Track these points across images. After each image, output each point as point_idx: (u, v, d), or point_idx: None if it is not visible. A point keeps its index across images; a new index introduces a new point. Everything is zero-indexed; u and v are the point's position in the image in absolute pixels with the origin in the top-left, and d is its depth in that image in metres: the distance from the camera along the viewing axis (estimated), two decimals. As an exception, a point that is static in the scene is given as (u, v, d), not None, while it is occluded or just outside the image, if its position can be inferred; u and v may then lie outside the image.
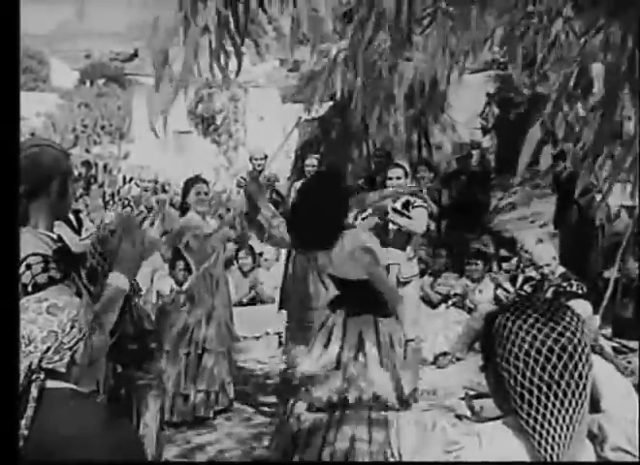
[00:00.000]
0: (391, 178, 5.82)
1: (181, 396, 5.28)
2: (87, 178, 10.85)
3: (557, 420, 1.49)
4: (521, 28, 2.51)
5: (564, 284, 5.02)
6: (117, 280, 2.46)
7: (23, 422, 1.68)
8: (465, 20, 2.59)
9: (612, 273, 6.60)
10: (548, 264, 5.26)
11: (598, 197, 7.19)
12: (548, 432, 1.49)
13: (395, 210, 5.61)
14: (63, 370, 1.80)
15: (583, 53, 2.32)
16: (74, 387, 1.84)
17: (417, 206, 5.68)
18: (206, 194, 5.57)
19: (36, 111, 18.75)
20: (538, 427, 1.50)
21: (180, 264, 5.67)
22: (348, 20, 2.83)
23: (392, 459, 4.16)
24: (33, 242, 2.25)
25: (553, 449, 1.49)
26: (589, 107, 2.46)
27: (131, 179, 9.77)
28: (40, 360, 1.76)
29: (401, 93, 3.00)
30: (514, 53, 2.59)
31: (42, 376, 1.75)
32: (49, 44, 33.23)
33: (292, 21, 2.38)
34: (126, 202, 7.75)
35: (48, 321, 1.79)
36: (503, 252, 8.45)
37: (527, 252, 6.54)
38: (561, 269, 5.23)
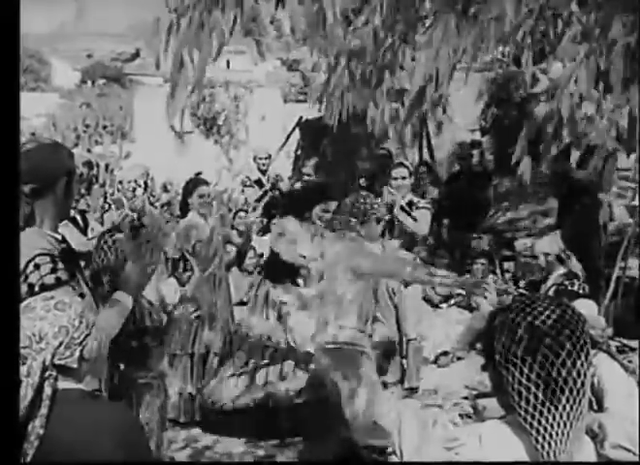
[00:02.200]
0: (396, 178, 5.78)
1: (188, 396, 5.28)
2: (89, 178, 10.83)
3: (554, 417, 1.50)
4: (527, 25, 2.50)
5: (566, 282, 4.99)
6: (122, 298, 2.50)
7: (38, 422, 1.68)
8: (468, 19, 2.59)
9: (613, 273, 6.60)
10: (536, 257, 5.18)
11: (601, 196, 7.18)
12: (545, 429, 1.50)
13: (401, 208, 5.59)
14: (75, 366, 1.82)
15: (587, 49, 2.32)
16: (83, 387, 1.84)
17: (421, 207, 5.65)
18: (208, 196, 5.56)
19: (37, 112, 18.72)
20: (536, 424, 1.51)
21: (183, 264, 5.67)
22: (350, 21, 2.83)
23: (394, 458, 4.16)
24: (40, 242, 2.25)
25: (550, 445, 1.50)
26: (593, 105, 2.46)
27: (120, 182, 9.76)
28: (52, 357, 1.77)
29: (403, 92, 3.00)
30: (521, 50, 2.59)
31: (54, 373, 1.76)
32: (50, 44, 33.24)
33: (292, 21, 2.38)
34: (107, 207, 7.74)
35: (57, 317, 1.80)
36: (505, 252, 8.45)
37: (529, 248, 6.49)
38: (562, 269, 5.17)
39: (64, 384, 1.79)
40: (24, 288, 2.13)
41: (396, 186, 5.72)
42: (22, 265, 2.14)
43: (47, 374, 1.74)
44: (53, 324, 1.79)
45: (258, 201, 8.47)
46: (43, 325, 1.78)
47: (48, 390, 1.72)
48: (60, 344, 1.79)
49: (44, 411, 1.70)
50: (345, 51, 2.86)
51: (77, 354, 1.82)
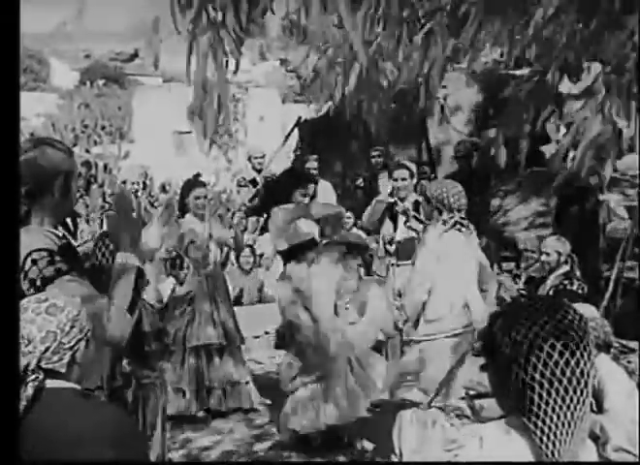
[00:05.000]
0: (396, 179, 5.75)
1: (185, 393, 5.30)
2: (87, 178, 10.83)
3: (558, 417, 1.50)
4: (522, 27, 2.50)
5: (565, 282, 5.00)
6: (125, 258, 2.43)
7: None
8: (465, 21, 2.59)
9: (612, 273, 6.60)
10: (548, 254, 5.18)
11: (600, 196, 7.19)
12: (550, 428, 1.50)
13: (415, 217, 5.57)
14: (63, 370, 1.79)
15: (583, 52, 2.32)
16: (76, 386, 1.83)
17: None
18: (205, 197, 5.56)
19: (36, 112, 18.72)
20: (540, 423, 1.51)
21: (180, 263, 5.67)
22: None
23: (393, 458, 4.16)
24: (39, 238, 2.24)
25: (554, 444, 1.50)
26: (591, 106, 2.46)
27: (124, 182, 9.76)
28: (38, 361, 1.75)
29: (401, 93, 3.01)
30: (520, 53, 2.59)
31: (41, 376, 1.74)
32: (49, 44, 33.18)
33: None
34: (106, 206, 7.74)
35: (46, 321, 1.78)
36: (505, 252, 8.44)
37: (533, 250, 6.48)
38: (565, 268, 5.17)
39: (56, 382, 1.78)
40: (26, 285, 2.12)
41: (397, 188, 5.71)
42: (20, 264, 2.13)
43: (32, 377, 1.73)
44: (41, 328, 1.77)
45: (250, 200, 8.47)
46: (31, 328, 1.76)
47: (29, 391, 1.71)
48: (47, 349, 1.77)
49: (20, 410, 1.69)
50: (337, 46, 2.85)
51: (66, 359, 1.80)
